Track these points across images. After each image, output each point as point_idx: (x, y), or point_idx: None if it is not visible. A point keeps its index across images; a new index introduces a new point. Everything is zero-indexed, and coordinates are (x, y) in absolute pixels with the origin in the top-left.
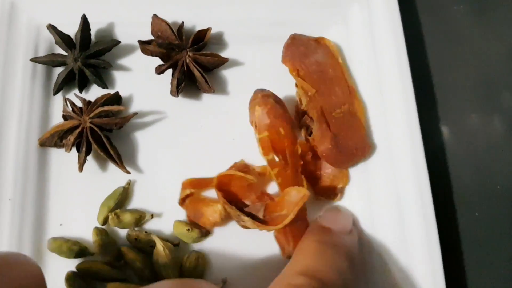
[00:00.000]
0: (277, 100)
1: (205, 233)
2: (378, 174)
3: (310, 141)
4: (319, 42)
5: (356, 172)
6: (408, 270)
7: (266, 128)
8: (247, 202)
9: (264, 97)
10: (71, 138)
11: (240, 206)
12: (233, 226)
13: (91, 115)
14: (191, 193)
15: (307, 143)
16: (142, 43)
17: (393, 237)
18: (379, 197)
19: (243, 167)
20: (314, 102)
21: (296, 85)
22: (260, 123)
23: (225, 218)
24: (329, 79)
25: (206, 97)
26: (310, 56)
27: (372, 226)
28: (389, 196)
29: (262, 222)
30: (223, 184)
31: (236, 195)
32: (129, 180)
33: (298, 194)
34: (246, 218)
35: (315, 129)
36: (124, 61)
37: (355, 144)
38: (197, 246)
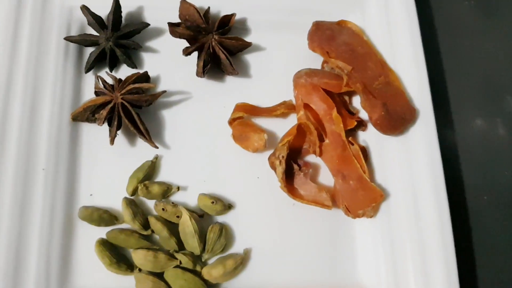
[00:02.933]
0: (310, 75)
1: (228, 206)
2: (394, 165)
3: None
4: (341, 24)
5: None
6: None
7: (300, 108)
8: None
9: (296, 79)
10: (104, 112)
11: (293, 155)
12: (255, 200)
13: (123, 91)
14: (242, 116)
15: (352, 116)
16: (172, 25)
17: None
18: (395, 187)
19: (291, 106)
20: (353, 79)
21: (323, 67)
22: (296, 104)
23: (267, 147)
24: (361, 56)
25: (229, 79)
26: (337, 38)
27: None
28: (405, 190)
29: (286, 183)
30: (300, 128)
31: (296, 145)
32: (156, 154)
33: (323, 197)
34: (282, 166)
35: (362, 102)
36: (151, 43)
37: (402, 109)
38: (220, 219)
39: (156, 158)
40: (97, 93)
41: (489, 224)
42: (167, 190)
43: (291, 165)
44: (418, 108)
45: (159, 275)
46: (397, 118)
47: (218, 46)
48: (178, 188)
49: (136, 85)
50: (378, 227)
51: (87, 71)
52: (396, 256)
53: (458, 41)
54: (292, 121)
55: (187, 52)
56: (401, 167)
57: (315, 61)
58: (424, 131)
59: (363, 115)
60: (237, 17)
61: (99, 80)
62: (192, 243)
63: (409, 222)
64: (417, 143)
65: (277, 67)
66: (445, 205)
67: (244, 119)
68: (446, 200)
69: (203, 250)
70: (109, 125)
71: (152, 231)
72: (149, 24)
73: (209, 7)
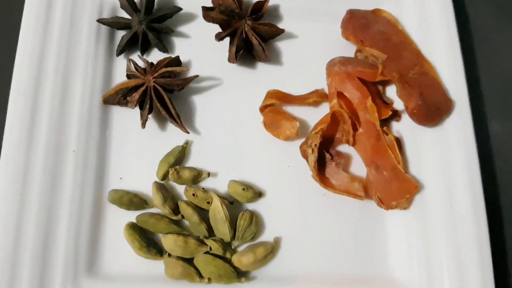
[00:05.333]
0: (344, 63)
1: (258, 194)
2: (428, 157)
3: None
4: (376, 13)
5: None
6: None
7: (333, 96)
8: (330, 150)
9: (330, 67)
10: (136, 95)
11: (325, 144)
12: (285, 189)
13: (155, 75)
14: (273, 103)
15: (387, 105)
16: (206, 9)
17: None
18: (429, 179)
19: (323, 95)
20: (388, 68)
21: (356, 56)
22: (329, 92)
23: (299, 135)
24: (395, 45)
25: (261, 66)
26: (372, 26)
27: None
28: (439, 182)
29: (318, 172)
30: (334, 116)
31: (329, 133)
32: (187, 139)
33: (355, 188)
34: (315, 154)
35: (398, 91)
36: (183, 28)
37: (439, 100)
38: (250, 206)
39: (187, 143)
40: (129, 76)
41: None
42: (197, 176)
43: (323, 154)
44: (454, 99)
45: (189, 261)
46: (434, 108)
47: (251, 31)
48: (209, 174)
49: (169, 69)
50: (411, 219)
51: (118, 54)
52: (430, 250)
53: (478, 44)
54: (323, 110)
55: (220, 37)
56: (435, 159)
57: (348, 49)
58: (460, 123)
59: (397, 105)
60: (270, 3)
61: (131, 63)
62: (222, 229)
63: (444, 214)
64: (452, 135)
65: (309, 55)
66: (481, 198)
67: (275, 107)
68: (481, 193)
69: (233, 237)
70: (141, 108)
71: (182, 217)
72: (181, 9)
73: None
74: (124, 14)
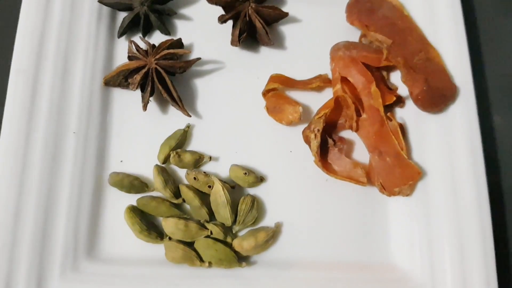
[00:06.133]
0: (349, 47)
1: (260, 178)
2: (432, 144)
3: (394, 89)
4: None
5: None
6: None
7: (337, 81)
8: (333, 136)
9: (334, 51)
10: (138, 77)
11: (328, 129)
12: (287, 174)
13: (157, 56)
14: (276, 88)
15: (391, 91)
16: None
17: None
18: (432, 166)
19: (327, 80)
20: (393, 53)
21: (360, 41)
22: (332, 77)
23: (301, 120)
24: (401, 30)
25: (264, 50)
26: (377, 11)
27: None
28: (443, 169)
29: (320, 158)
30: (337, 101)
31: (332, 119)
32: (188, 123)
33: (358, 174)
34: (317, 140)
35: (403, 76)
36: (185, 10)
37: (444, 86)
38: (251, 191)
39: (188, 126)
40: (130, 58)
41: None
42: (199, 160)
43: (326, 140)
44: (459, 86)
45: (189, 244)
46: (438, 94)
47: (254, 14)
48: (210, 158)
49: (171, 51)
50: (413, 206)
51: (120, 35)
52: (432, 237)
53: (483, 33)
54: (327, 95)
55: (223, 19)
56: (439, 146)
57: (353, 34)
58: (464, 110)
59: (401, 92)
60: None
61: (133, 44)
62: (223, 213)
63: (446, 202)
64: (456, 122)
65: (313, 40)
66: (484, 185)
67: (278, 91)
68: (484, 180)
69: (234, 221)
70: (142, 90)
71: (183, 200)
72: None
73: None
74: None
